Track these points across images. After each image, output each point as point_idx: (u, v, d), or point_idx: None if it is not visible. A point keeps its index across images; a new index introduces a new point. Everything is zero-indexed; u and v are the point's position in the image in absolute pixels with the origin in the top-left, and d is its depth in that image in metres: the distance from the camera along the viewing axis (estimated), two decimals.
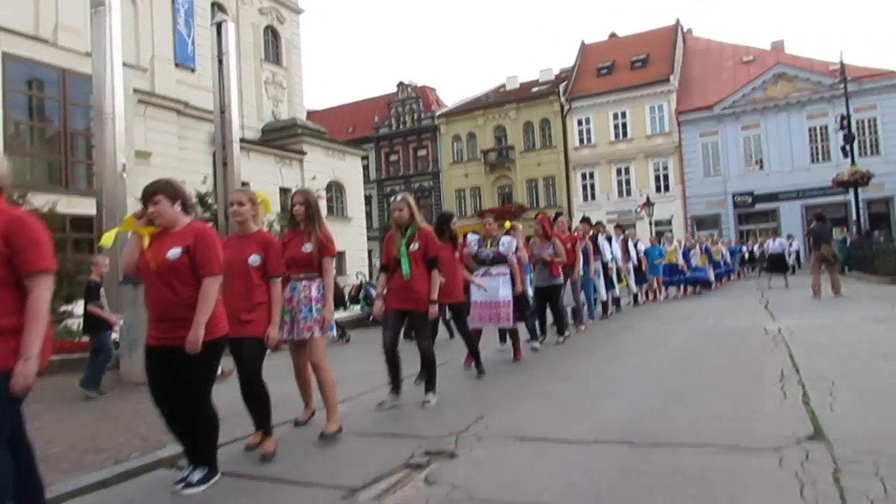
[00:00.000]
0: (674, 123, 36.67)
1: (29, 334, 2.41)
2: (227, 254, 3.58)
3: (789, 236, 25.68)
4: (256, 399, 3.75)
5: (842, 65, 23.62)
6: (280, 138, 24.47)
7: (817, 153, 34.08)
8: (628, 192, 37.65)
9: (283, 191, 21.85)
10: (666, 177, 37.05)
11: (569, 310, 8.95)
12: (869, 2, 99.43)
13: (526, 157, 40.99)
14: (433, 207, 42.81)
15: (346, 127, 48.94)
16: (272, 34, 27.07)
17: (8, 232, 2.42)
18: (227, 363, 3.83)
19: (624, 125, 38.21)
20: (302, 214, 4.26)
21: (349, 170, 26.59)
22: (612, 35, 45.00)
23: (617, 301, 12.09)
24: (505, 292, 6.47)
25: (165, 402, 3.29)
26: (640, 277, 13.99)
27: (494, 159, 41.91)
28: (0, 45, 13.84)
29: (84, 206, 13.47)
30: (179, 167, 17.88)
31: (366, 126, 48.09)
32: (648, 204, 29.26)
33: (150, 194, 3.37)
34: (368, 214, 44.93)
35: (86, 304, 6.58)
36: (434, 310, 4.92)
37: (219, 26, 12.87)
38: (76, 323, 10.56)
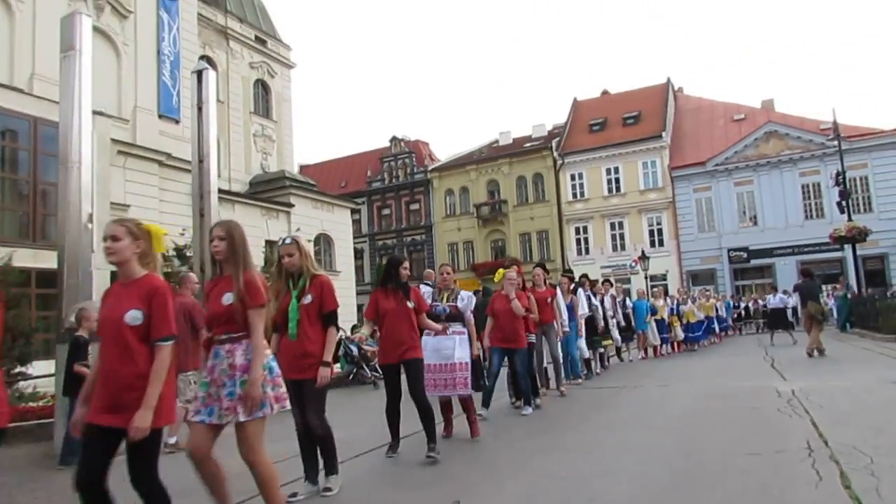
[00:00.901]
0: (667, 179, 36.66)
1: None
2: (102, 310, 2.87)
3: (785, 291, 25.18)
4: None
5: (835, 121, 23.60)
6: (268, 191, 24.11)
7: (811, 210, 34.04)
8: (622, 247, 37.33)
9: (269, 243, 21.29)
10: (660, 231, 36.80)
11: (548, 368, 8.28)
12: (856, 62, 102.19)
13: (519, 212, 40.78)
14: (426, 261, 42.36)
15: (339, 181, 48.89)
16: (262, 87, 27.05)
17: None
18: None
19: (617, 180, 38.19)
20: (222, 253, 3.29)
21: (338, 222, 26.14)
22: (605, 92, 45.56)
23: (601, 359, 11.42)
24: (461, 353, 5.57)
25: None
26: (628, 335, 13.41)
27: (487, 213, 41.69)
28: None
29: (52, 260, 12.82)
30: (159, 219, 17.31)
31: (358, 180, 48.04)
32: (644, 258, 28.81)
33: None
34: (360, 269, 44.49)
35: (70, 361, 5.93)
36: (325, 373, 3.84)
37: (199, 74, 12.57)
38: (30, 385, 9.76)
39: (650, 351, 14.48)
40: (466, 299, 5.82)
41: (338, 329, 4.15)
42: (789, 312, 17.83)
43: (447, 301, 5.80)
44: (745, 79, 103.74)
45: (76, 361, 5.87)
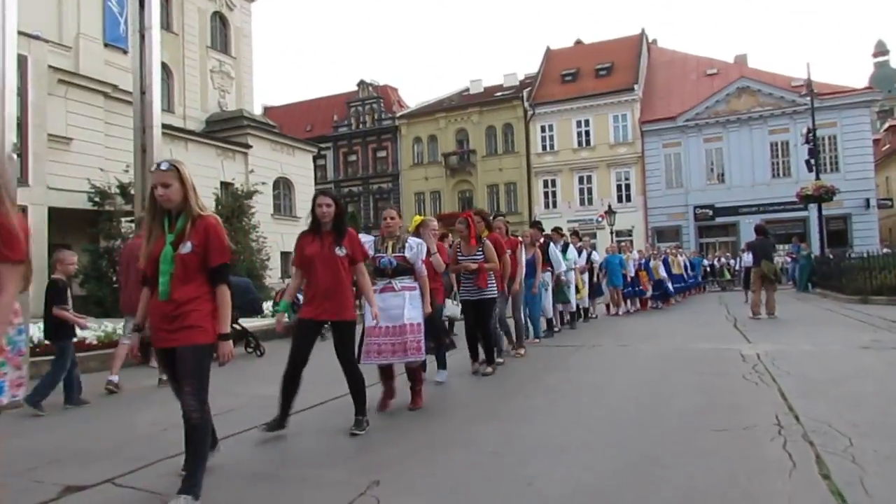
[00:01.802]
0: (637, 133, 36.22)
1: None
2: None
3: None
4: None
5: (808, 77, 23.21)
6: (224, 130, 22.91)
7: (778, 168, 34.03)
8: (590, 201, 37.04)
9: (225, 185, 20.33)
10: (628, 186, 36.56)
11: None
12: (827, 22, 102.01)
13: (487, 162, 40.08)
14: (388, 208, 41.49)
15: (305, 125, 47.41)
16: (221, 21, 25.47)
17: None
18: None
19: (587, 133, 37.62)
20: None
21: (300, 166, 25.11)
22: (578, 42, 44.51)
23: (572, 315, 10.96)
24: (412, 313, 4.77)
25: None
26: (594, 290, 12.98)
27: (455, 163, 40.90)
28: None
29: None
30: (104, 155, 16.25)
31: (325, 124, 46.63)
32: (610, 212, 28.51)
33: None
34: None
35: (48, 305, 5.60)
36: (224, 350, 3.03)
37: None
38: None
39: (610, 309, 14.21)
40: (416, 247, 4.92)
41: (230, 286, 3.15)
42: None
43: (393, 251, 4.91)
44: (719, 33, 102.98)
45: (56, 305, 5.57)
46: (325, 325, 4.38)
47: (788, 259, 24.42)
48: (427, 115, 42.56)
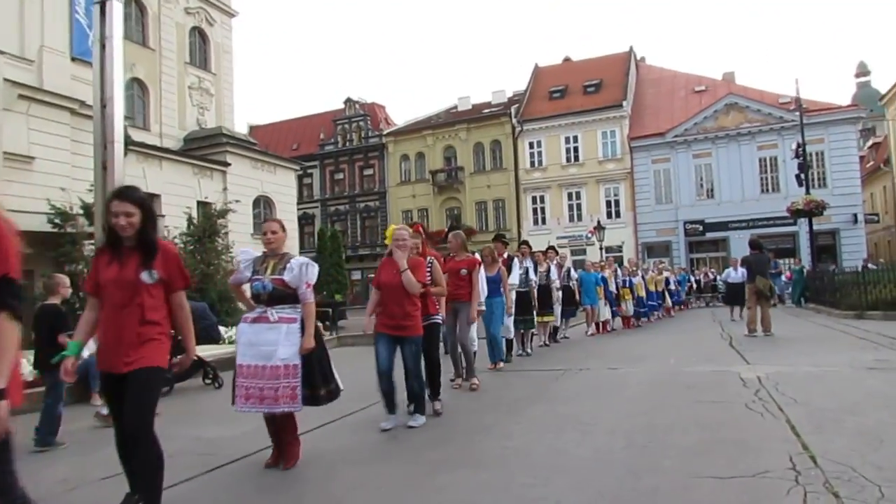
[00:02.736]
0: (626, 149, 35.97)
1: None
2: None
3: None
4: None
5: (797, 93, 22.91)
6: (203, 147, 22.28)
7: (767, 184, 33.87)
8: (579, 217, 36.64)
9: (202, 204, 19.70)
10: (617, 202, 36.23)
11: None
12: (811, 43, 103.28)
13: (476, 179, 39.69)
14: (379, 228, 41.04)
15: (291, 143, 46.95)
16: (200, 36, 24.94)
17: None
18: None
19: (576, 149, 37.33)
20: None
21: (281, 184, 24.49)
22: (567, 59, 44.40)
23: (553, 333, 10.29)
24: (287, 351, 3.85)
25: None
26: (570, 309, 12.21)
27: (443, 180, 40.47)
28: None
29: None
30: (70, 174, 15.54)
31: (311, 143, 46.18)
32: (599, 228, 28.02)
33: None
34: (311, 235, 42.74)
35: (54, 332, 5.33)
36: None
37: (102, 5, 11.02)
38: None
39: (600, 326, 13.63)
40: (298, 269, 3.95)
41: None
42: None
43: (273, 272, 3.96)
44: (707, 51, 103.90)
45: (61, 332, 5.28)
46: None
47: (785, 279, 24.10)
48: (414, 132, 42.21)
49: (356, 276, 40.52)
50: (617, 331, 14.19)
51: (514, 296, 9.75)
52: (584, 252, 32.58)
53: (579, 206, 37.00)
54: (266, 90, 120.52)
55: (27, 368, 6.28)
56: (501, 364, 8.11)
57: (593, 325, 13.29)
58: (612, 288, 13.59)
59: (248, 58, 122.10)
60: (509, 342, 8.86)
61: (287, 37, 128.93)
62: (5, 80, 14.33)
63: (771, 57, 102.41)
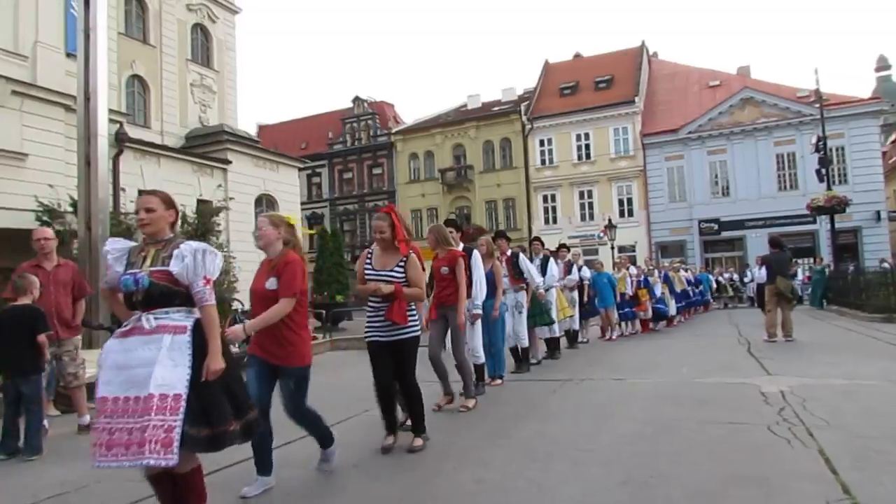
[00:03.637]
0: (638, 146, 35.11)
1: None
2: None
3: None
4: None
5: (817, 83, 22.05)
6: (204, 145, 21.80)
7: (785, 181, 32.89)
8: (591, 216, 35.81)
9: (201, 202, 19.15)
10: (630, 201, 35.37)
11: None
12: (829, 36, 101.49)
13: (485, 178, 38.98)
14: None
15: (300, 142, 46.54)
16: (202, 33, 24.47)
17: None
18: None
19: (587, 146, 36.51)
20: None
21: (284, 182, 23.96)
22: (577, 55, 43.59)
23: (555, 343, 9.46)
24: (168, 375, 2.66)
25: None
26: (584, 311, 11.33)
27: (452, 179, 39.81)
28: None
29: None
30: (65, 171, 15.09)
31: (320, 142, 45.76)
32: (610, 227, 27.21)
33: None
34: (324, 234, 42.14)
35: (34, 333, 4.96)
36: None
37: None
38: None
39: (606, 332, 12.87)
40: (191, 256, 2.82)
41: None
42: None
43: (153, 264, 2.87)
44: (721, 45, 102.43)
45: (41, 332, 5.02)
46: None
47: (801, 280, 23.15)
48: (423, 130, 41.63)
49: None
50: (631, 335, 13.34)
51: (554, 294, 9.17)
52: (596, 252, 31.79)
53: (591, 205, 36.19)
54: (275, 90, 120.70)
55: None
56: (500, 381, 6.95)
57: (610, 329, 12.51)
58: (628, 290, 12.78)
59: (256, 57, 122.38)
60: (524, 350, 7.91)
61: (297, 36, 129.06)
62: (5, 78, 13.95)
63: (787, 51, 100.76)
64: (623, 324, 13.13)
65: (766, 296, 10.83)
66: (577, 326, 10.85)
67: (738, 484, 3.22)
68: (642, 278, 13.40)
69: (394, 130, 42.84)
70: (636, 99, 35.62)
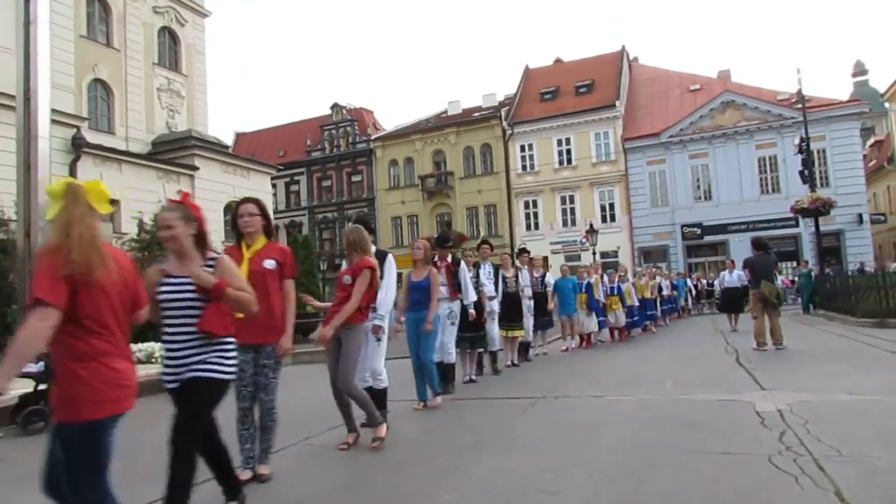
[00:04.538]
0: (620, 151, 34.73)
1: None
2: None
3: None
4: None
5: (799, 83, 21.65)
6: (171, 151, 20.97)
7: (767, 184, 32.65)
8: (573, 222, 35.32)
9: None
10: (612, 206, 34.94)
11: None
12: (807, 42, 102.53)
13: (466, 184, 38.42)
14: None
15: (278, 150, 45.74)
16: (170, 37, 23.65)
17: None
18: None
19: (568, 151, 36.08)
20: None
21: (255, 190, 23.05)
22: (558, 60, 43.24)
23: (526, 348, 8.77)
24: None
25: None
26: (544, 320, 10.58)
27: (433, 185, 39.20)
28: None
29: None
30: (7, 177, 14.24)
31: (298, 149, 45.00)
32: (592, 231, 26.64)
33: None
34: (295, 241, 41.22)
35: None
36: None
37: None
38: None
39: (583, 339, 12.25)
40: None
41: None
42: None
43: None
44: (702, 50, 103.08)
45: None
46: None
47: (783, 283, 22.64)
48: (403, 136, 41.02)
49: None
50: (605, 343, 12.82)
51: (496, 305, 8.45)
52: (578, 258, 31.28)
53: (573, 211, 35.71)
54: (253, 98, 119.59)
55: None
56: (439, 399, 6.25)
57: (569, 338, 11.90)
58: (600, 296, 12.15)
59: (233, 64, 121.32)
60: (450, 367, 7.02)
61: (275, 43, 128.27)
62: None
63: (766, 56, 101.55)
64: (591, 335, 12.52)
65: (751, 301, 10.24)
66: (529, 338, 10.04)
67: None
68: (612, 286, 12.81)
69: (373, 137, 42.17)
70: (617, 103, 35.26)
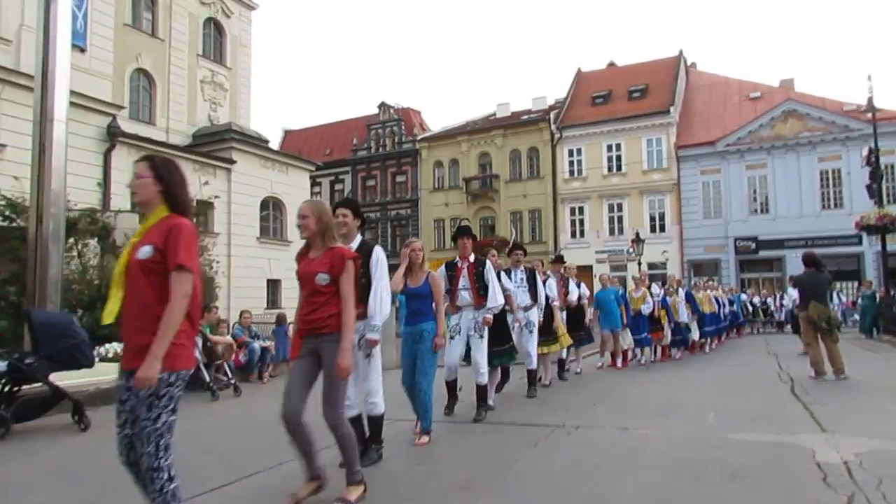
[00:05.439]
0: (672, 159, 33.33)
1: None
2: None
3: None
4: None
5: (870, 93, 20.10)
6: (210, 143, 20.84)
7: (829, 199, 30.79)
8: (620, 231, 34.05)
9: (201, 203, 18.13)
10: (662, 215, 33.54)
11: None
12: (880, 49, 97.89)
13: (511, 188, 37.58)
14: (410, 237, 39.25)
15: (324, 148, 45.90)
16: (215, 28, 23.61)
17: None
18: None
19: (618, 157, 34.86)
20: None
21: (293, 185, 22.80)
22: (611, 64, 42.02)
23: (533, 377, 7.63)
24: None
25: None
26: (581, 335, 9.68)
27: (477, 188, 38.52)
28: None
29: None
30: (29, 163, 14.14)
31: (344, 148, 45.06)
32: (638, 241, 25.40)
33: None
34: None
35: None
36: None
37: None
38: None
39: (619, 357, 11.26)
40: None
41: None
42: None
43: None
44: (763, 57, 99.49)
45: None
46: None
47: (838, 304, 21.06)
48: (449, 138, 40.46)
49: None
50: (645, 364, 11.70)
51: (535, 316, 7.66)
52: (624, 268, 30.13)
53: (620, 219, 34.44)
54: (303, 95, 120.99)
55: None
56: (427, 438, 5.07)
57: (608, 354, 10.97)
58: (643, 310, 11.13)
59: (284, 61, 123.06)
60: (482, 388, 6.12)
61: (325, 42, 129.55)
62: None
63: (833, 65, 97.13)
64: (639, 350, 11.51)
65: (802, 326, 9.17)
66: (563, 354, 9.20)
67: None
68: (662, 298, 11.78)
69: (419, 137, 41.75)
70: (671, 109, 33.90)
